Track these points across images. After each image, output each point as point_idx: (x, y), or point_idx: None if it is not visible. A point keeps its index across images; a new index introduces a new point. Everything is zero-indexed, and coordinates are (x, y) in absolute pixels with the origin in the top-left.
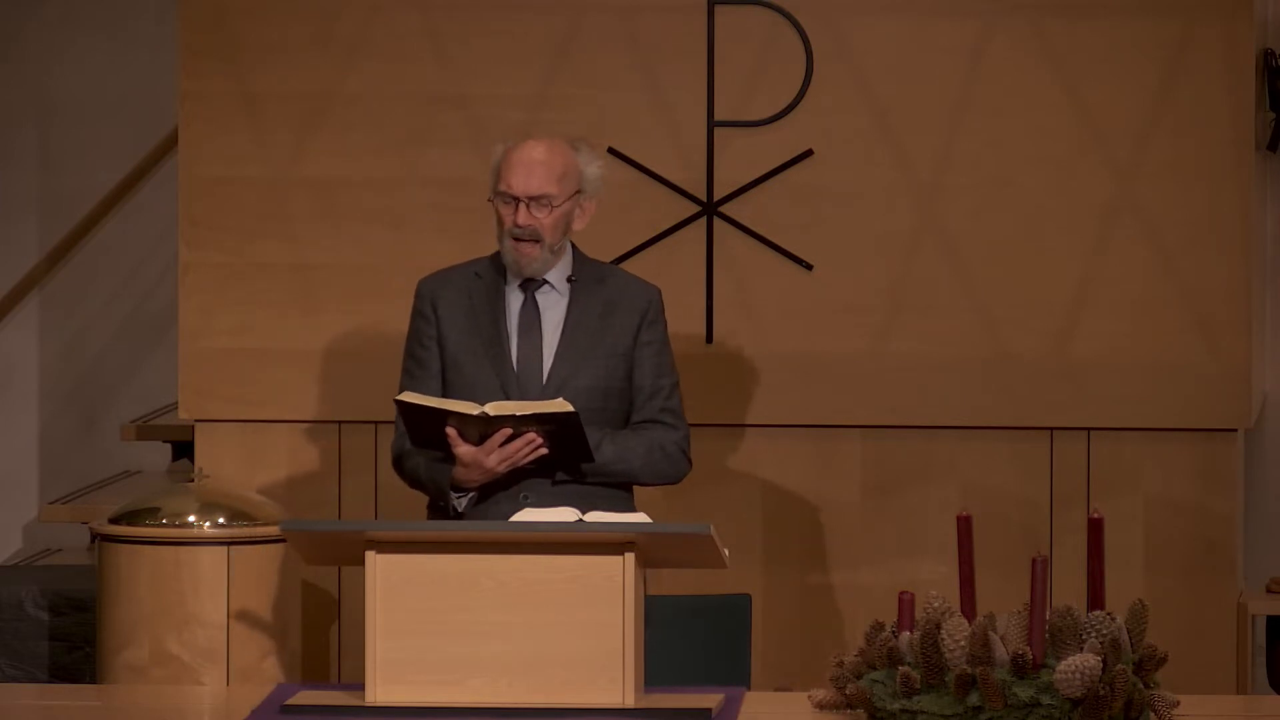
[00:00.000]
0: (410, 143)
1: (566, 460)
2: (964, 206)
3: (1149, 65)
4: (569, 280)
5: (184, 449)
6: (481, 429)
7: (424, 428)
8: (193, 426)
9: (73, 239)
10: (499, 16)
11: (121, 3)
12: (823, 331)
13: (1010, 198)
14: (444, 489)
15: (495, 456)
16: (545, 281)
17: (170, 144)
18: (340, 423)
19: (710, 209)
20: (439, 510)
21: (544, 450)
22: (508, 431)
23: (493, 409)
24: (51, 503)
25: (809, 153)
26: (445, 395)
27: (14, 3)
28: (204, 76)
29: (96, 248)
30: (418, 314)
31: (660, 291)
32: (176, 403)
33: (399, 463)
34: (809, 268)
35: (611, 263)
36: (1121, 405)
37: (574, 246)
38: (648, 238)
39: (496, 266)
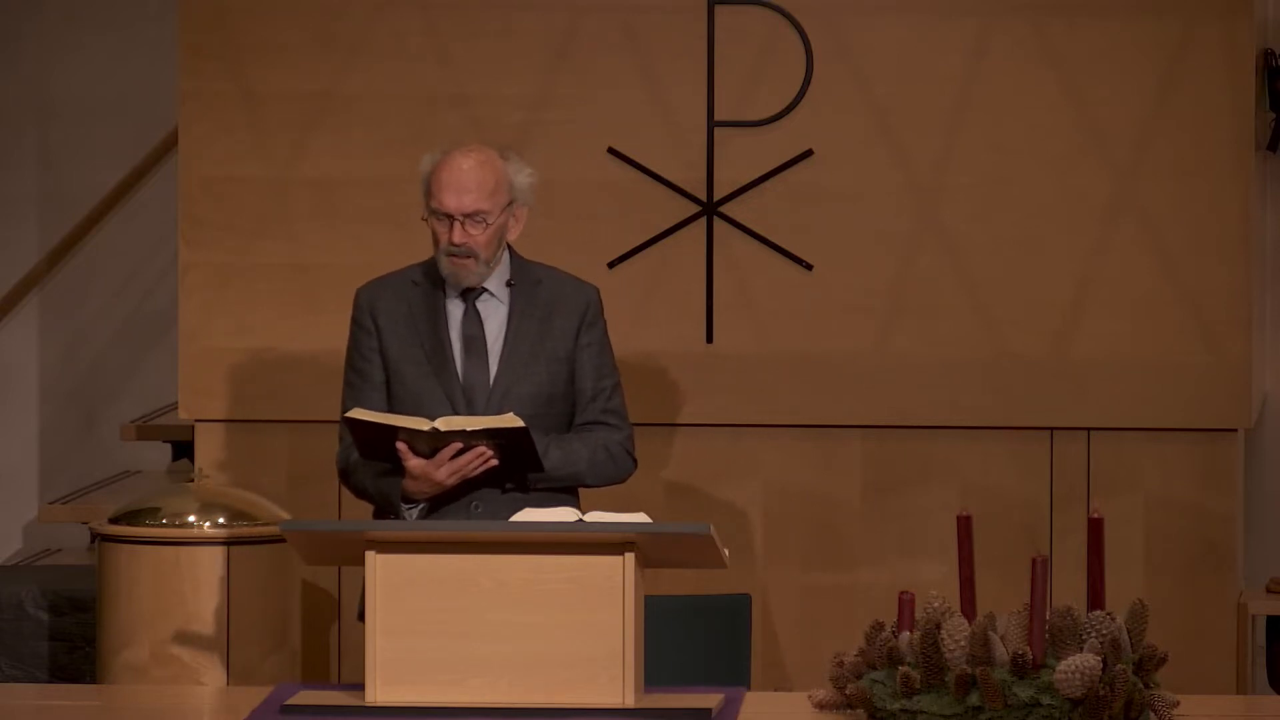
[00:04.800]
0: (410, 143)
1: (516, 471)
2: (964, 206)
3: (1149, 65)
4: (508, 284)
5: (184, 449)
6: (432, 443)
7: (373, 442)
8: (193, 426)
9: (73, 239)
10: (499, 16)
11: (121, 3)
12: (823, 331)
13: (1010, 198)
14: (394, 501)
15: (445, 470)
16: (485, 289)
17: (170, 144)
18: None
19: (710, 209)
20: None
21: (494, 462)
22: (458, 446)
23: (443, 424)
24: (51, 503)
25: (809, 153)
26: (390, 406)
27: (14, 3)
28: (204, 76)
29: (96, 248)
30: (357, 325)
31: (598, 290)
32: (176, 403)
33: (345, 475)
34: (809, 268)
35: (611, 263)
36: (1121, 405)
37: (510, 249)
38: (648, 238)
39: (433, 273)
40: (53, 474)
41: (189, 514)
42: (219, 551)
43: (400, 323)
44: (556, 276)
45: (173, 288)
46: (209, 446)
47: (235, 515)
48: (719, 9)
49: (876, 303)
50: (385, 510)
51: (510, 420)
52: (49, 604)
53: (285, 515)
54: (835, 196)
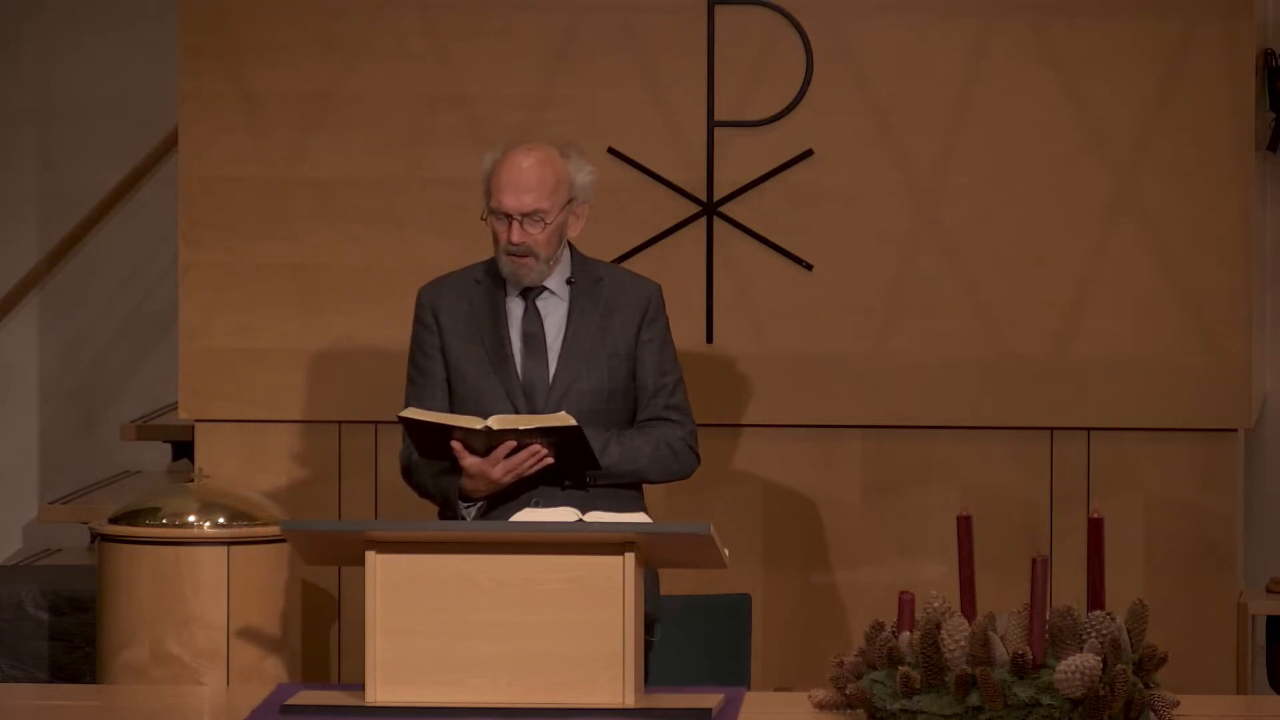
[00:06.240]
0: (410, 143)
1: (573, 468)
2: (964, 206)
3: (1149, 65)
4: (568, 282)
5: (184, 449)
6: (486, 442)
7: (429, 441)
8: (193, 426)
9: (73, 239)
10: (499, 16)
11: (121, 3)
12: (823, 331)
13: (1010, 198)
14: (452, 500)
15: (501, 468)
16: (545, 287)
17: (170, 144)
18: (340, 423)
19: (710, 209)
20: (450, 520)
21: (549, 460)
22: (513, 444)
23: (496, 423)
24: (51, 503)
25: (809, 153)
26: (451, 404)
27: (14, 3)
28: (204, 76)
29: (96, 248)
30: (419, 323)
31: (659, 287)
32: (176, 403)
33: (407, 473)
34: (809, 268)
35: (611, 263)
36: (1121, 405)
37: (571, 247)
38: (648, 238)
39: (495, 272)
40: (53, 474)
41: (189, 514)
42: (219, 551)
43: (461, 321)
44: (618, 274)
45: (173, 288)
46: (209, 446)
47: (235, 515)
48: (719, 9)
49: (876, 303)
50: (445, 508)
51: (563, 419)
52: (49, 604)
53: (285, 515)
54: (835, 196)
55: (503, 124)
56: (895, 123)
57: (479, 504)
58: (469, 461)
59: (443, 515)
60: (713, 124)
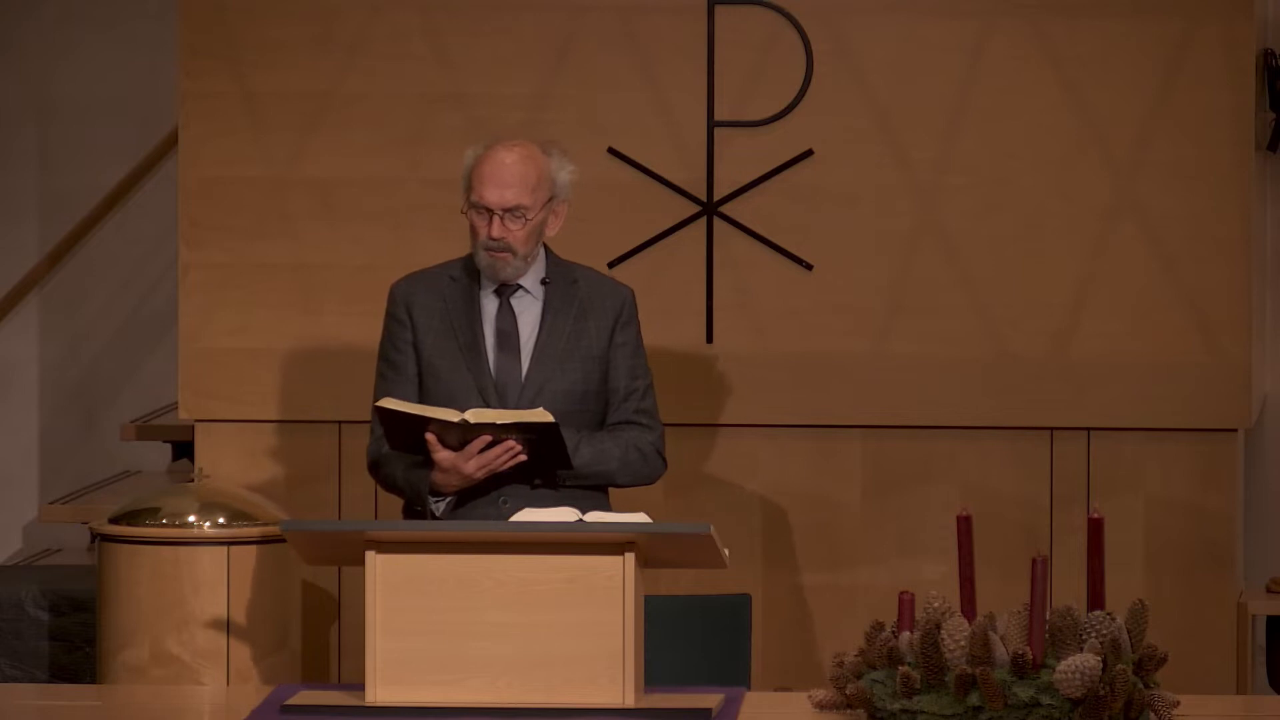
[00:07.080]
0: (410, 143)
1: (545, 466)
2: (964, 206)
3: (1149, 65)
4: (543, 283)
5: (184, 449)
6: (461, 435)
7: (403, 433)
8: (193, 426)
9: (73, 239)
10: (499, 16)
11: (121, 2)
12: (823, 331)
13: (1010, 198)
14: (422, 493)
15: (474, 463)
16: (520, 286)
17: (170, 144)
18: (340, 423)
19: (710, 209)
20: (415, 515)
21: (523, 457)
22: (487, 438)
23: (472, 416)
24: (51, 503)
25: (809, 153)
26: (422, 399)
27: (14, 2)
28: (204, 76)
29: (96, 248)
30: (392, 318)
31: (633, 292)
32: (176, 403)
33: (375, 467)
34: (809, 268)
35: (611, 263)
36: (1121, 405)
37: (546, 248)
38: (648, 238)
39: (470, 269)
40: (53, 474)
41: (189, 514)
42: (219, 551)
43: (435, 317)
44: (592, 276)
45: (173, 288)
46: (209, 446)
47: (235, 515)
48: (719, 9)
49: (876, 303)
50: (414, 503)
51: (540, 415)
52: (49, 604)
53: (285, 515)
54: (835, 196)
55: (503, 124)
56: (895, 123)
57: (448, 499)
58: (441, 455)
59: (409, 510)
60: (713, 124)
